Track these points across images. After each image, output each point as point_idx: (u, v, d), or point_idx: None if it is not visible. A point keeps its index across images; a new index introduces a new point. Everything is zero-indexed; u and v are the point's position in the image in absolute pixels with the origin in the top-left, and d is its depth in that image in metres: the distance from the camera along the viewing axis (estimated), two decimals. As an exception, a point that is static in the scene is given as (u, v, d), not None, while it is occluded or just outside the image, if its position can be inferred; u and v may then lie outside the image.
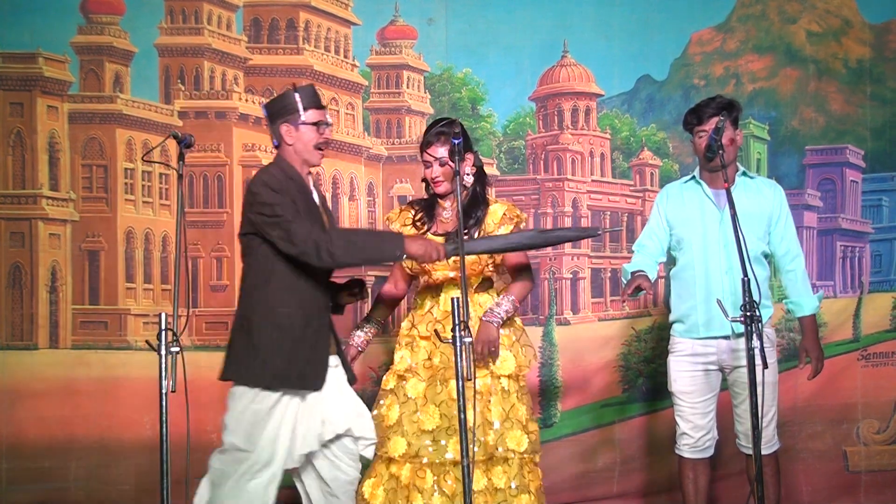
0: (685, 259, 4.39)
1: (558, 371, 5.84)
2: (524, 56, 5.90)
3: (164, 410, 3.56)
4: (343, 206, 5.92)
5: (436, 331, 3.89)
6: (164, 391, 3.55)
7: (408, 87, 5.97)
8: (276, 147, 3.91)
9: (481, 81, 5.94)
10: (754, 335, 3.71)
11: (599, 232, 4.64)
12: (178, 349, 3.59)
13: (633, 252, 4.56)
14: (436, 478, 4.10)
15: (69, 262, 5.72)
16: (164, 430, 3.56)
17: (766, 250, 4.40)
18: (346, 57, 6.03)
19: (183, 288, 3.66)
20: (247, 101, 5.90)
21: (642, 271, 4.21)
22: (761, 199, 4.40)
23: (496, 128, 5.98)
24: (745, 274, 3.74)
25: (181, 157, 3.81)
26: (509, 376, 4.20)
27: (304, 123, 3.83)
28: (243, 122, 5.88)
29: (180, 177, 3.81)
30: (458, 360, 3.54)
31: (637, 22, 5.91)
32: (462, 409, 3.55)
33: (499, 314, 4.14)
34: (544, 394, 5.82)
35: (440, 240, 4.02)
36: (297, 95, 3.84)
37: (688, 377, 4.35)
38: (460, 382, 3.56)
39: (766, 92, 6.03)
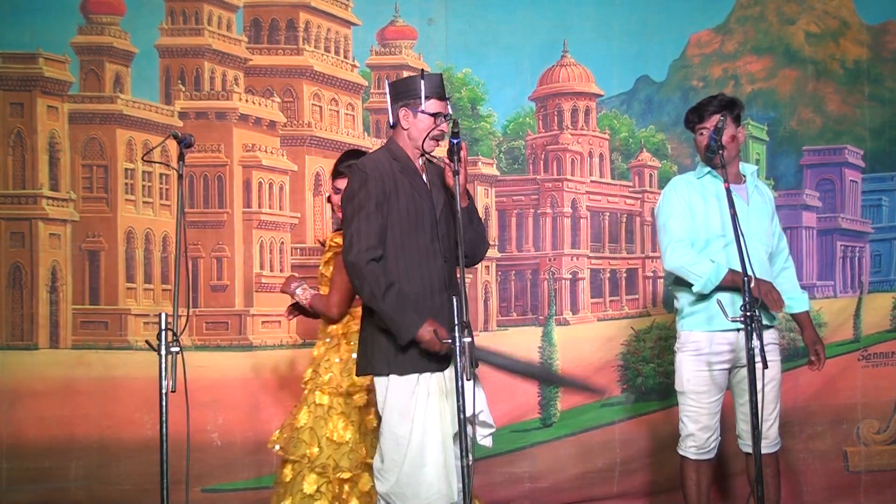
0: (709, 251, 4.29)
1: (558, 371, 5.84)
2: (524, 56, 5.92)
3: (164, 410, 3.55)
4: (343, 207, 5.93)
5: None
6: (164, 391, 3.54)
7: (408, 88, 5.98)
8: (392, 127, 3.85)
9: (481, 81, 5.95)
10: (754, 335, 3.70)
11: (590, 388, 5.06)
12: (178, 349, 3.57)
13: (676, 246, 4.23)
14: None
15: (69, 262, 5.72)
16: (164, 430, 3.54)
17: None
18: (346, 57, 6.04)
19: (183, 288, 3.65)
20: (247, 101, 5.90)
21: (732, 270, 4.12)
22: (767, 198, 4.44)
23: (496, 128, 5.99)
24: (746, 273, 3.74)
25: (181, 157, 3.79)
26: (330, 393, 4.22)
27: (421, 112, 3.76)
28: (243, 123, 5.88)
29: (180, 177, 3.79)
30: (458, 359, 3.54)
31: (636, 23, 5.92)
32: (462, 409, 3.55)
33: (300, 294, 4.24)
34: (544, 394, 5.83)
35: None
36: (422, 82, 3.76)
37: (701, 375, 4.27)
38: (461, 382, 3.55)
39: (764, 93, 6.04)
